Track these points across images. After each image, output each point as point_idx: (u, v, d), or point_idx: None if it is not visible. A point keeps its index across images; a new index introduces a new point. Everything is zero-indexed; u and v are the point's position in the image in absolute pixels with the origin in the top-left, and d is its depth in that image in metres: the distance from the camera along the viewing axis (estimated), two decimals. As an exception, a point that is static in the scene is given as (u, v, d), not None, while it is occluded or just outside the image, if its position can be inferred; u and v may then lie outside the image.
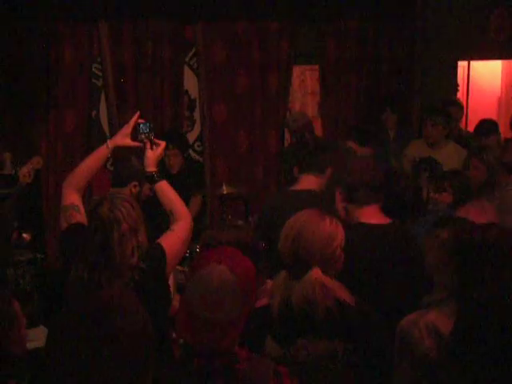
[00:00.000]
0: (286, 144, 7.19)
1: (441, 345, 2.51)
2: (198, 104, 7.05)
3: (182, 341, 3.37)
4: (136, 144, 3.50)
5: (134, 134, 3.49)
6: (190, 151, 7.05)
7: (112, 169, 6.78)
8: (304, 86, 8.56)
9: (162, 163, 4.58)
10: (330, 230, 2.84)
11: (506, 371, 2.19)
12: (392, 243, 3.47)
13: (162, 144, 3.53)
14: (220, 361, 2.22)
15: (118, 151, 3.53)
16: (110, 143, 3.47)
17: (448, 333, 2.42)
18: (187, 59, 6.96)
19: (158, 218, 3.73)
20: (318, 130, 7.21)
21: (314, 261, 2.79)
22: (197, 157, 7.11)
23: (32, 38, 6.21)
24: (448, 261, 2.66)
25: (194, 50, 6.92)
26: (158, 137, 3.59)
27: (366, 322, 2.81)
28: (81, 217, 3.30)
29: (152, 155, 3.47)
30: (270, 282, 3.07)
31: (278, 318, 2.79)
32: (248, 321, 2.41)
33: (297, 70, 7.47)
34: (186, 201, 5.29)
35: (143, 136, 3.48)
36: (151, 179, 3.46)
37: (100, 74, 6.65)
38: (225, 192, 5.60)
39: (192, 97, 7.09)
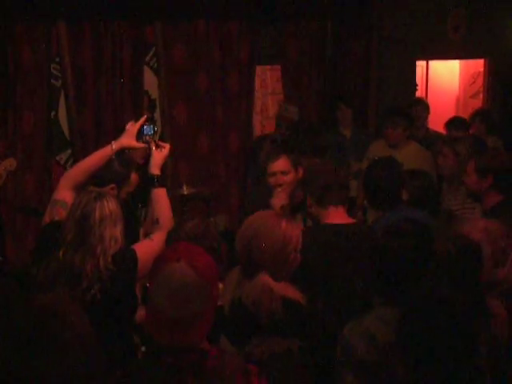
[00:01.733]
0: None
1: (376, 350, 2.54)
2: (158, 104, 7.02)
3: (144, 348, 3.40)
4: (141, 145, 3.60)
5: (139, 136, 3.56)
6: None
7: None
8: (265, 86, 8.58)
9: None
10: (284, 235, 2.87)
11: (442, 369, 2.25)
12: (354, 243, 3.51)
13: (167, 146, 3.60)
14: (189, 357, 2.22)
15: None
16: (116, 144, 3.56)
17: (382, 337, 2.48)
18: (147, 59, 6.92)
19: (130, 222, 3.75)
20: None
21: (265, 264, 2.82)
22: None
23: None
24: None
25: (153, 51, 6.89)
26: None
27: (317, 320, 2.85)
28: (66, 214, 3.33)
29: (158, 157, 3.54)
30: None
31: (229, 317, 2.81)
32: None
33: (258, 70, 7.48)
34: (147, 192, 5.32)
35: (148, 138, 3.55)
36: (152, 182, 3.51)
37: (59, 74, 6.58)
38: (185, 192, 5.59)
39: (152, 97, 7.05)
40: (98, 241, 3.10)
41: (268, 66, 8.08)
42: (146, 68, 6.90)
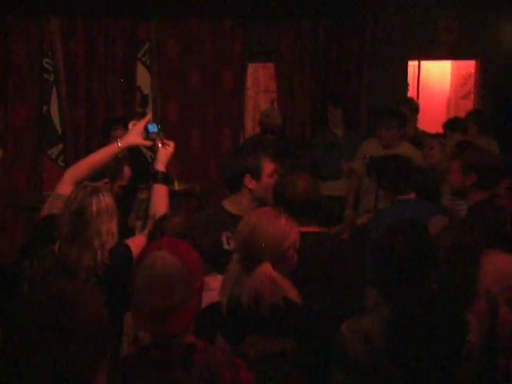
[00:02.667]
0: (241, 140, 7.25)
1: (372, 349, 2.55)
2: (150, 100, 7.02)
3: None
4: (148, 143, 3.65)
5: (145, 134, 3.62)
6: (142, 148, 7.01)
7: (63, 165, 6.74)
8: (257, 84, 8.60)
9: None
10: (283, 229, 2.87)
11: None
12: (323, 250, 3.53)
13: (171, 144, 3.65)
14: (178, 351, 2.23)
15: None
16: (122, 142, 3.60)
17: (378, 338, 2.48)
18: (140, 55, 6.93)
19: (123, 216, 3.77)
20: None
21: (265, 257, 2.80)
22: (149, 153, 7.08)
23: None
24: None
25: (146, 46, 6.90)
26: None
27: (314, 322, 2.84)
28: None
29: (164, 153, 3.61)
30: (219, 278, 3.09)
31: (227, 315, 2.79)
32: (198, 317, 2.42)
33: (250, 68, 7.51)
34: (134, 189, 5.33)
35: (154, 135, 3.61)
36: (155, 177, 3.57)
37: (51, 68, 6.58)
38: (176, 188, 5.60)
39: (144, 93, 7.06)
40: (95, 235, 3.12)
41: (260, 64, 8.09)
42: (138, 64, 6.91)
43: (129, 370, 2.27)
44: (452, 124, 6.62)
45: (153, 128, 3.63)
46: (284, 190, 3.64)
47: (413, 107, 7.11)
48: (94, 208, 3.12)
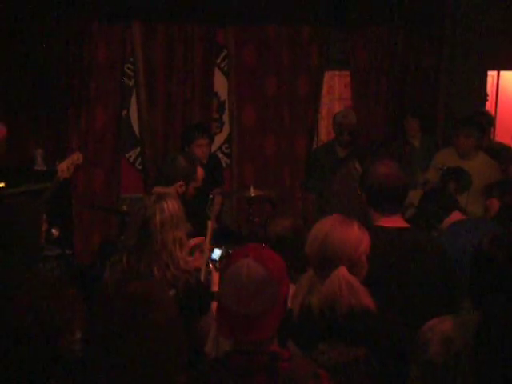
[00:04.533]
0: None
1: (448, 353, 2.51)
2: (227, 106, 7.10)
3: None
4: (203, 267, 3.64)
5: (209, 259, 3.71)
6: (218, 153, 7.10)
7: (141, 168, 6.88)
8: (332, 92, 8.58)
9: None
10: (357, 235, 2.86)
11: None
12: (412, 249, 3.38)
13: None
14: (261, 359, 2.22)
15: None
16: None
17: (460, 342, 2.43)
18: (218, 61, 7.02)
19: (199, 216, 3.82)
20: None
21: (341, 262, 2.79)
22: (224, 158, 7.15)
23: (67, 37, 6.31)
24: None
25: (224, 53, 6.99)
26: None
27: (389, 330, 2.82)
28: None
29: (217, 277, 3.52)
30: (293, 287, 3.09)
31: (298, 322, 2.79)
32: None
33: (326, 75, 7.50)
34: (207, 192, 5.38)
35: (214, 262, 3.72)
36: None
37: (132, 73, 6.73)
38: (252, 194, 5.63)
39: (221, 99, 7.14)
40: (161, 246, 3.14)
41: (336, 72, 8.07)
42: (216, 70, 6.99)
43: (208, 377, 2.29)
44: None
45: (218, 255, 3.75)
46: (365, 175, 3.54)
47: (487, 120, 6.99)
48: (158, 219, 3.14)
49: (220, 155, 7.12)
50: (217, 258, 3.71)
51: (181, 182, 4.42)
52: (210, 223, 4.06)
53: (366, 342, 2.74)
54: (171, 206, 3.21)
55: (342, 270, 2.78)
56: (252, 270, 2.25)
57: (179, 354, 1.79)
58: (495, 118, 8.31)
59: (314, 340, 2.77)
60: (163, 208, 3.16)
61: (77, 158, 4.84)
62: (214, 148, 6.81)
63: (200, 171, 4.48)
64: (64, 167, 4.73)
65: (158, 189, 3.72)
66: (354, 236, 2.85)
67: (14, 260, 3.24)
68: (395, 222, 3.42)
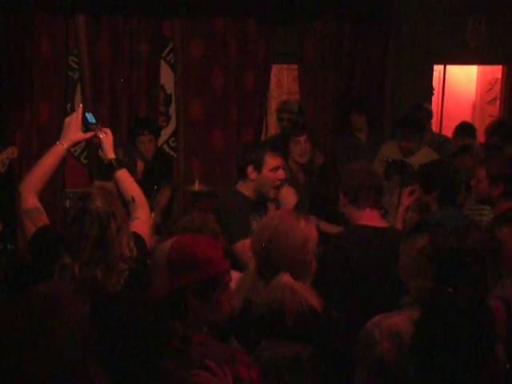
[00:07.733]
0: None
1: (400, 348, 2.51)
2: (173, 99, 7.04)
3: None
4: (89, 135, 3.53)
5: (85, 126, 3.50)
6: (165, 146, 7.05)
7: (86, 162, 6.79)
8: (280, 86, 8.59)
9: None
10: (304, 234, 2.85)
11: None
12: (386, 247, 3.49)
13: (109, 131, 3.56)
14: (172, 343, 2.20)
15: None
16: (65, 142, 3.42)
17: (409, 337, 2.43)
18: (164, 54, 6.95)
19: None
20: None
21: (285, 264, 2.79)
22: (171, 152, 7.10)
23: (8, 29, 6.17)
24: (425, 267, 2.67)
25: (171, 46, 6.92)
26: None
27: (332, 329, 2.81)
28: (45, 219, 3.29)
29: (108, 141, 3.50)
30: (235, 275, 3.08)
31: (240, 319, 2.78)
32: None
33: (274, 69, 7.49)
34: (153, 189, 5.35)
35: (93, 126, 3.51)
36: (111, 167, 3.47)
37: (76, 66, 6.63)
38: (197, 189, 5.61)
39: (168, 92, 7.08)
40: (118, 251, 3.01)
41: (285, 66, 8.08)
42: (162, 63, 6.93)
43: None
44: (464, 129, 6.65)
45: (91, 119, 3.50)
46: (344, 177, 3.90)
47: (426, 114, 7.08)
48: (114, 228, 2.97)
49: (167, 149, 7.07)
50: (94, 120, 3.51)
51: None
52: (152, 214, 4.03)
53: (310, 341, 2.74)
54: (118, 206, 3.07)
55: (285, 277, 2.77)
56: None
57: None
58: (442, 113, 8.44)
59: (257, 337, 2.76)
60: (114, 212, 2.99)
61: (11, 152, 4.77)
62: (160, 142, 6.76)
63: (140, 165, 4.44)
64: (-1, 161, 4.65)
65: (98, 183, 3.65)
66: (299, 237, 2.83)
67: None
68: (375, 219, 3.65)
